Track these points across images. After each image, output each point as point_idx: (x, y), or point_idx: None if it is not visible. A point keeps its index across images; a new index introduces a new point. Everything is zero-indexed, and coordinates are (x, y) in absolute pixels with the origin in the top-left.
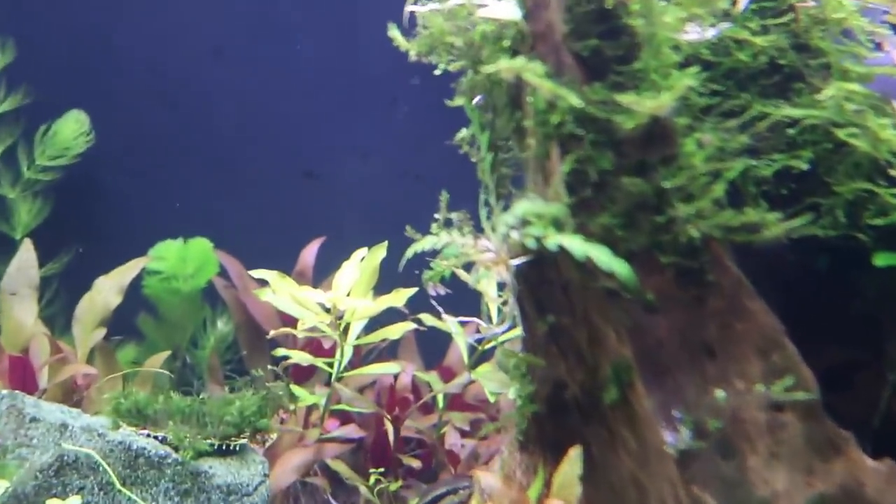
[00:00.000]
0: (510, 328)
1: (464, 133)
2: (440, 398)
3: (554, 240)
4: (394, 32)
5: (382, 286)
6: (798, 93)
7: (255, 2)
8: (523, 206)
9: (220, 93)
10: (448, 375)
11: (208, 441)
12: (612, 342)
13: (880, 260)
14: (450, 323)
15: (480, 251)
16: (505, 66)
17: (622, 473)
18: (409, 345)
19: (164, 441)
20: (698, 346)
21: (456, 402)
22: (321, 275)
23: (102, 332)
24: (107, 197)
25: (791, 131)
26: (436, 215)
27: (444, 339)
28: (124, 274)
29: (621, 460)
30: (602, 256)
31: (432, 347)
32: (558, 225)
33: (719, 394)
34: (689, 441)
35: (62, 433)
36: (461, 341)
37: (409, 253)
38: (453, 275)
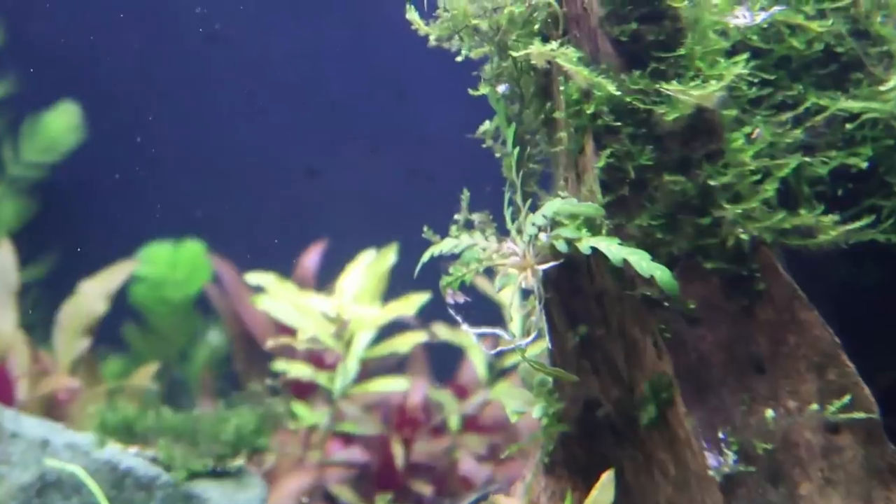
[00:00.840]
0: (535, 341)
1: (486, 126)
2: (454, 419)
3: (587, 242)
4: (412, 15)
5: (391, 295)
6: (856, 84)
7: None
8: (554, 204)
9: (216, 85)
10: (463, 394)
11: (202, 461)
12: (651, 356)
13: None
14: (467, 334)
15: (505, 255)
16: (536, 52)
17: (659, 500)
18: (419, 359)
19: (154, 461)
20: (746, 361)
21: (472, 424)
22: (324, 281)
23: (87, 341)
24: (94, 195)
25: (849, 126)
26: (455, 216)
27: (457, 352)
28: (111, 278)
29: (658, 486)
30: (641, 261)
31: (445, 361)
32: (592, 226)
33: (769, 414)
34: (734, 465)
35: (44, 450)
36: (477, 356)
37: (427, 256)
38: (471, 283)
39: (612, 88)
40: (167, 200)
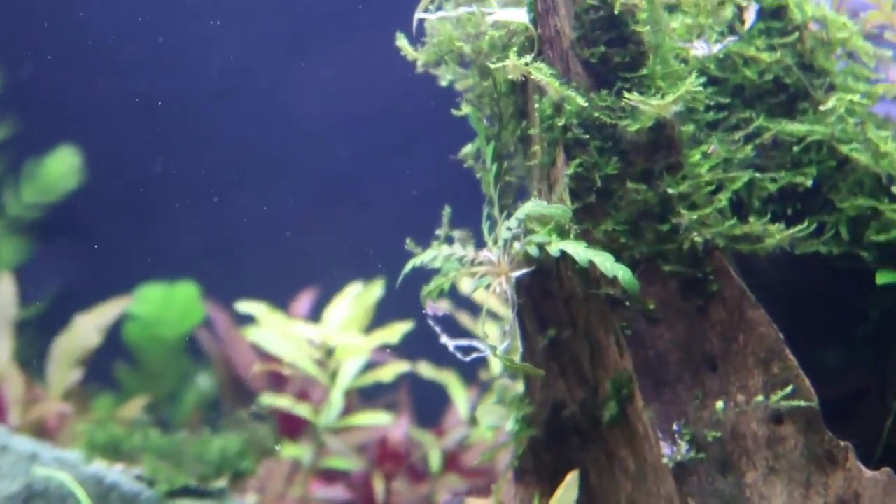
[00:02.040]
0: (508, 347)
1: (468, 148)
2: (435, 460)
3: (557, 246)
4: (401, 42)
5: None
6: (803, 112)
7: (255, 42)
8: (526, 207)
9: (218, 133)
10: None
11: (185, 479)
12: (614, 355)
13: (882, 278)
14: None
15: (481, 263)
16: (512, 64)
17: (619, 498)
18: (403, 395)
19: (138, 478)
20: (700, 358)
21: (454, 463)
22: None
23: (78, 372)
24: (93, 236)
25: (796, 149)
26: (437, 231)
27: (442, 393)
28: (105, 313)
29: (618, 484)
30: (605, 262)
31: (429, 402)
32: (562, 231)
33: (719, 406)
34: (686, 454)
35: (32, 463)
36: (459, 395)
37: (409, 267)
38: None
39: (581, 101)
40: (163, 244)
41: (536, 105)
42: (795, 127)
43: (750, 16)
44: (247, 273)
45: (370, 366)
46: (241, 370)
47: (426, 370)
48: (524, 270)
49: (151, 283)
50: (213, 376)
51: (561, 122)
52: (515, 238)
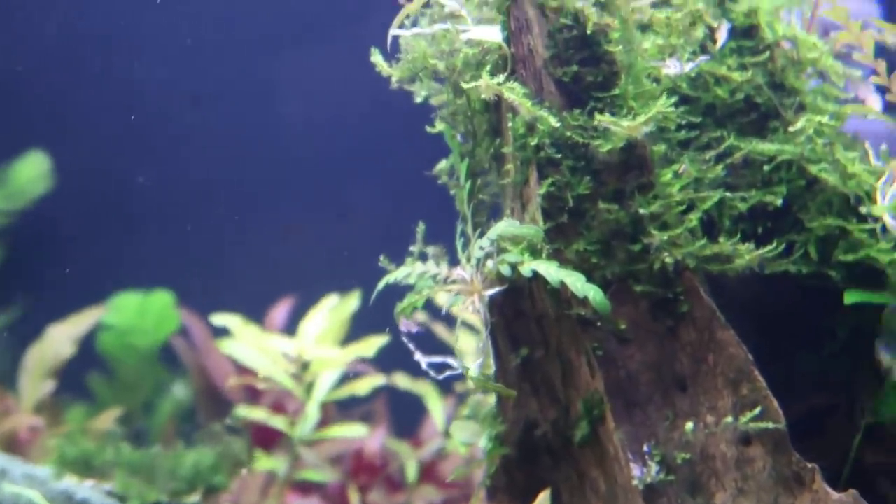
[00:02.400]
0: (481, 365)
1: (443, 164)
2: (411, 470)
3: (529, 266)
4: (376, 58)
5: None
6: (774, 131)
7: (234, 50)
8: (499, 227)
9: (194, 138)
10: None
11: (157, 495)
12: (585, 376)
13: (850, 297)
14: (422, 383)
15: (455, 282)
16: (485, 84)
17: None
18: (380, 407)
19: (109, 493)
20: (670, 378)
21: (430, 474)
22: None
23: (51, 384)
24: (65, 243)
25: (766, 168)
26: (411, 248)
27: (419, 404)
28: (78, 323)
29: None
30: (577, 282)
31: (406, 413)
32: (534, 251)
33: (688, 427)
34: (656, 475)
35: (1, 480)
36: (435, 406)
37: (382, 284)
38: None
39: (553, 121)
40: (138, 252)
41: (510, 123)
42: (766, 146)
43: (721, 35)
44: (224, 282)
45: (347, 377)
46: (217, 380)
47: (402, 381)
48: (497, 289)
49: (126, 291)
50: (188, 386)
51: (533, 142)
52: (489, 256)
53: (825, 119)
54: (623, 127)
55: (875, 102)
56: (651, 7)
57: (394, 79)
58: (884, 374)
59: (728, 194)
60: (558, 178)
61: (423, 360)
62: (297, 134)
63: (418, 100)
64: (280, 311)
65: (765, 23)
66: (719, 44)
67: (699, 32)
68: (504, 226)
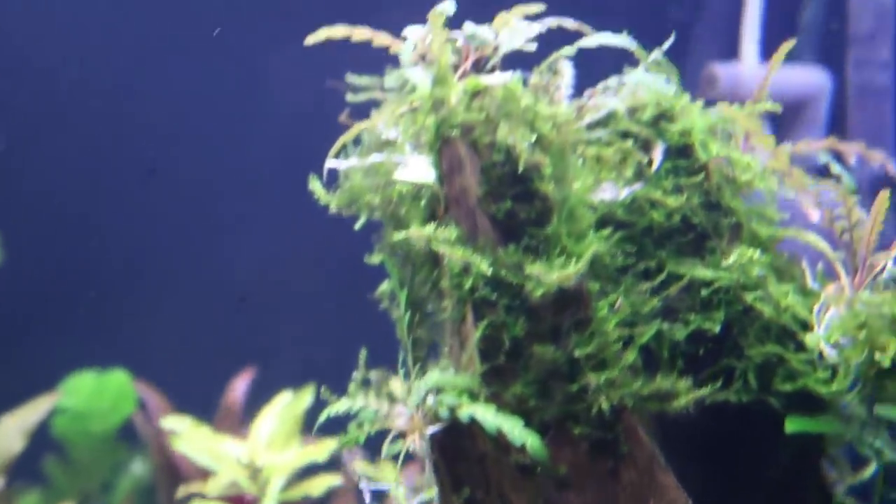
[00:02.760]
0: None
1: (384, 287)
2: None
3: (466, 410)
4: (314, 185)
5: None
6: (711, 251)
7: (186, 120)
8: (433, 377)
9: (145, 209)
10: None
11: None
12: None
13: (791, 426)
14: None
15: (396, 417)
16: (415, 234)
17: None
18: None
19: None
20: None
21: None
22: (253, 409)
23: (1, 481)
24: (12, 323)
25: (704, 291)
26: (354, 374)
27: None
28: (29, 414)
29: None
30: (514, 429)
31: None
32: (472, 394)
33: None
34: None
35: None
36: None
37: (323, 417)
38: None
39: (484, 268)
40: (93, 326)
41: (446, 259)
42: (702, 272)
43: (657, 156)
44: (182, 353)
45: (304, 472)
46: (175, 455)
47: (361, 467)
48: (438, 427)
49: (81, 371)
50: (147, 462)
51: (468, 284)
52: (429, 393)
53: (755, 254)
54: (553, 280)
55: (814, 215)
56: (587, 129)
57: (332, 207)
58: (830, 490)
59: (665, 326)
60: (494, 318)
61: (366, 490)
62: (254, 203)
63: (357, 227)
64: (240, 385)
65: (698, 143)
66: (655, 164)
67: (629, 171)
68: (438, 376)
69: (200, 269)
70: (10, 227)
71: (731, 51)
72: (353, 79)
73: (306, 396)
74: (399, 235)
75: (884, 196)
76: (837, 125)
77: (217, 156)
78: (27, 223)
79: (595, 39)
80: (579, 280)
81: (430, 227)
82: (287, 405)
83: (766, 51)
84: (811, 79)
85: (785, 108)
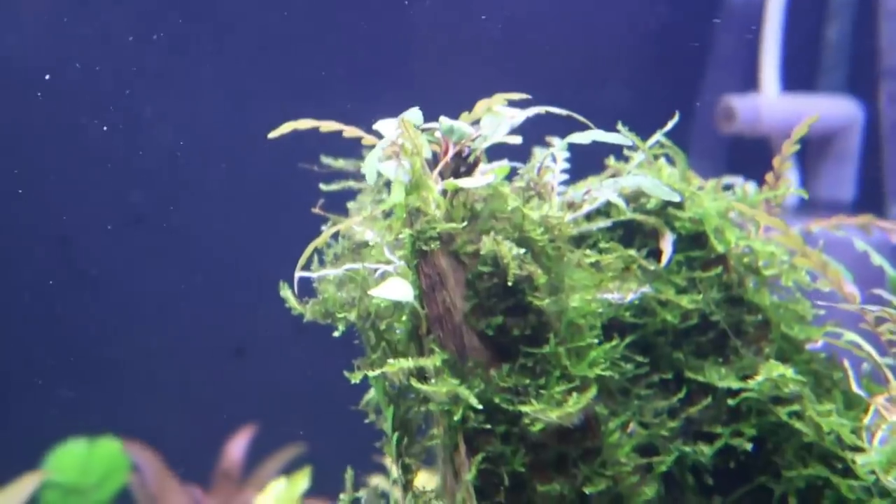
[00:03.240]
0: None
1: (371, 395)
2: None
3: None
4: (286, 293)
5: None
6: (735, 350)
7: (176, 167)
8: None
9: (137, 263)
10: None
11: None
12: None
13: None
14: None
15: None
16: (392, 370)
17: None
18: None
19: None
20: None
21: None
22: (251, 469)
23: None
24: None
25: (731, 401)
26: (341, 496)
27: None
28: (14, 496)
29: None
30: None
31: None
32: None
33: None
34: None
35: None
36: None
37: None
38: None
39: (474, 401)
40: (79, 388)
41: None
42: (726, 383)
43: (667, 247)
44: (178, 410)
45: None
46: None
47: None
48: None
49: (69, 441)
50: None
51: (458, 415)
52: None
53: (788, 371)
54: (552, 418)
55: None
56: (585, 219)
57: (307, 316)
58: None
59: (688, 448)
60: (490, 449)
61: None
62: (251, 247)
63: (336, 334)
64: (237, 446)
65: (711, 232)
66: (665, 258)
67: (632, 283)
68: None
69: (193, 322)
70: None
71: (749, 81)
72: (328, 161)
73: (301, 482)
74: (375, 372)
75: None
76: (873, 159)
77: (208, 205)
78: (6, 282)
79: (587, 136)
80: (578, 419)
81: (407, 361)
82: (282, 492)
83: (789, 77)
84: (840, 109)
85: (812, 140)
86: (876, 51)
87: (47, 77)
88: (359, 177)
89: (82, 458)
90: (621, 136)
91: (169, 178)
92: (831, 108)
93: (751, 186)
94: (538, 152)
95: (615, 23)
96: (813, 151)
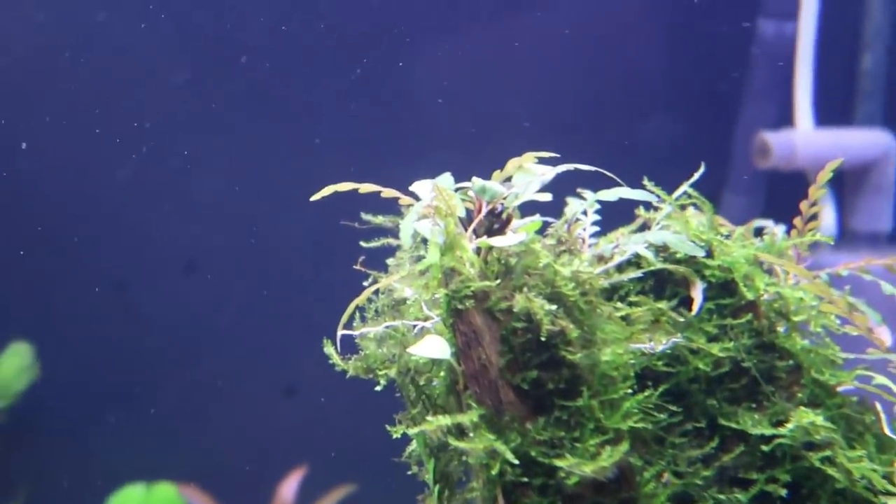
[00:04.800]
0: None
1: (413, 448)
2: None
3: None
4: (329, 349)
5: None
6: (768, 396)
7: (230, 214)
8: None
9: (191, 310)
10: None
11: None
12: None
13: None
14: None
15: None
16: (431, 427)
17: None
18: None
19: None
20: None
21: None
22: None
23: None
24: (55, 436)
25: (765, 448)
26: None
27: None
28: None
29: None
30: None
31: None
32: None
33: None
34: None
35: None
36: None
37: None
38: None
39: (510, 456)
40: (141, 435)
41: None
42: (759, 430)
43: (697, 296)
44: (233, 451)
45: None
46: None
47: None
48: None
49: (126, 486)
50: None
51: (496, 469)
52: None
53: (818, 419)
54: (586, 472)
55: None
56: (616, 270)
57: (349, 373)
58: None
59: (722, 496)
60: (528, 502)
61: None
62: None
63: (378, 388)
64: (289, 487)
65: (740, 278)
66: (696, 306)
67: (663, 334)
68: None
69: (243, 363)
70: (41, 337)
71: (785, 114)
72: (367, 218)
73: None
74: (413, 430)
75: None
76: None
77: (260, 244)
78: (59, 329)
79: (614, 193)
80: (612, 473)
81: (445, 418)
82: None
83: (824, 110)
84: (874, 141)
85: (848, 173)
86: None
87: (97, 131)
88: (397, 234)
89: (140, 502)
90: (645, 193)
91: (218, 224)
92: (866, 141)
93: (780, 230)
94: (571, 206)
95: (652, 59)
96: (850, 184)
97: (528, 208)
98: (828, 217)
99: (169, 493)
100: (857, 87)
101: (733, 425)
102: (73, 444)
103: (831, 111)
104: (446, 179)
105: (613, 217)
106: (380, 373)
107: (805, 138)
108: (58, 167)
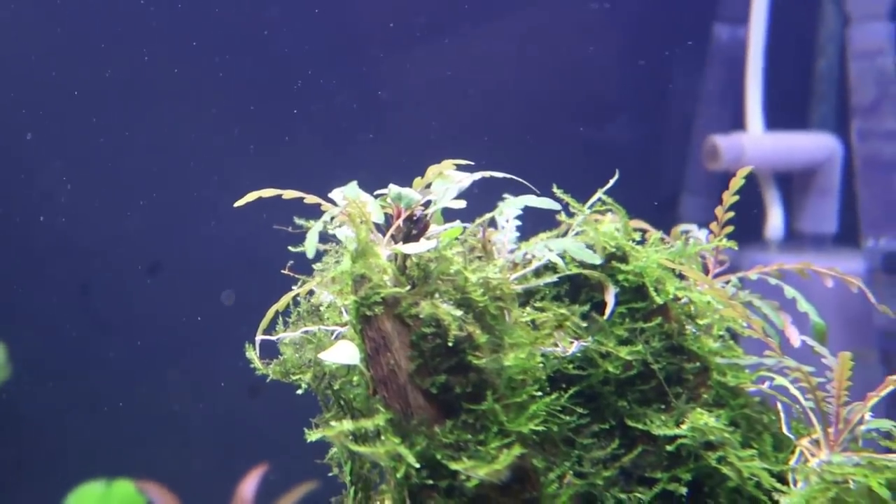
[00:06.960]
0: None
1: (334, 452)
2: None
3: None
4: (251, 354)
5: None
6: (677, 397)
7: (190, 216)
8: None
9: (154, 310)
10: None
11: None
12: None
13: None
14: None
15: None
16: (332, 433)
17: None
18: None
19: None
20: None
21: None
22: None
23: None
24: (13, 435)
25: (670, 447)
26: None
27: None
28: None
29: None
30: None
31: None
32: None
33: None
34: None
35: None
36: None
37: None
38: None
39: (412, 460)
40: (98, 432)
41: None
42: (663, 430)
43: (609, 299)
44: (194, 449)
45: None
46: None
47: None
48: None
49: (85, 482)
50: None
51: (401, 472)
52: None
53: (710, 420)
54: (481, 474)
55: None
56: (533, 275)
57: (269, 377)
58: None
59: (623, 496)
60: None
61: None
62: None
63: (300, 392)
64: (249, 486)
65: (650, 283)
66: (608, 310)
67: (568, 338)
68: None
69: (207, 362)
70: (12, 340)
71: (739, 117)
72: (300, 222)
73: None
74: (313, 435)
75: (846, 357)
76: (852, 194)
77: (219, 253)
78: (28, 332)
79: (520, 202)
80: (522, 457)
81: (347, 424)
82: None
83: (780, 113)
84: (820, 145)
85: (796, 176)
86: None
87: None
88: (329, 238)
89: (100, 499)
90: (551, 201)
91: (176, 226)
92: (812, 144)
93: (703, 235)
94: (502, 210)
95: (610, 63)
96: (797, 186)
97: (464, 214)
98: (775, 219)
99: (128, 491)
100: (812, 90)
101: (640, 426)
102: (32, 443)
103: (786, 114)
104: (353, 188)
105: (551, 221)
106: (295, 377)
107: (753, 142)
108: (13, 169)
